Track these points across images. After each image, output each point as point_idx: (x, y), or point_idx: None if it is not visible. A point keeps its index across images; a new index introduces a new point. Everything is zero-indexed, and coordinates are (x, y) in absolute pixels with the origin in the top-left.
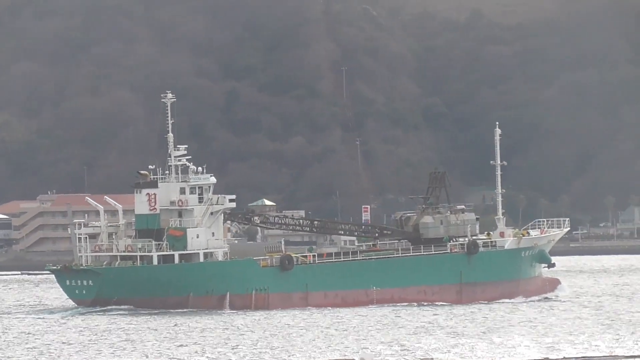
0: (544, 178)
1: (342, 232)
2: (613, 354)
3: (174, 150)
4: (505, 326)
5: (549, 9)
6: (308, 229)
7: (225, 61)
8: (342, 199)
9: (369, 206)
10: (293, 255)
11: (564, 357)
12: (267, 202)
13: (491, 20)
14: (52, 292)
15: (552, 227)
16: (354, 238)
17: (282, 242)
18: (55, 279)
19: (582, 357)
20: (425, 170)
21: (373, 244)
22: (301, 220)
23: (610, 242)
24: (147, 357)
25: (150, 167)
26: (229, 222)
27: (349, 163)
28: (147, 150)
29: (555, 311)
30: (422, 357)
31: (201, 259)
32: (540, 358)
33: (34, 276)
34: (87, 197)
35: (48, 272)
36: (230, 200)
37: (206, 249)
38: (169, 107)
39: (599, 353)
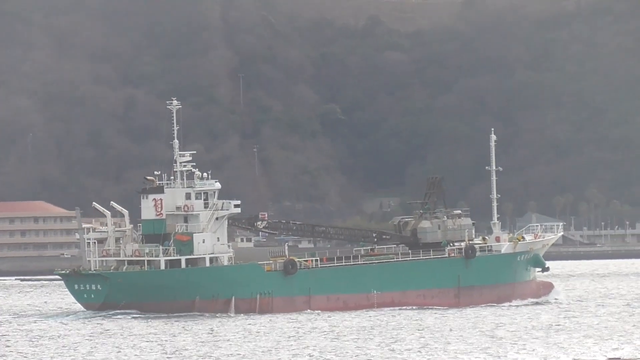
0: (442, 184)
1: (342, 238)
2: None
3: (179, 156)
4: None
5: (446, 16)
6: (309, 233)
7: (123, 68)
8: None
9: (266, 213)
10: (296, 259)
11: None
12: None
13: (389, 27)
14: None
15: (546, 232)
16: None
17: (286, 247)
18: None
19: None
20: (323, 177)
21: (371, 249)
22: (303, 226)
23: None
24: None
25: (156, 172)
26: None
27: (247, 170)
28: (47, 157)
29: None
30: None
31: (207, 264)
32: None
33: None
34: (94, 203)
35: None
36: (235, 206)
37: (212, 253)
38: (174, 114)
39: None
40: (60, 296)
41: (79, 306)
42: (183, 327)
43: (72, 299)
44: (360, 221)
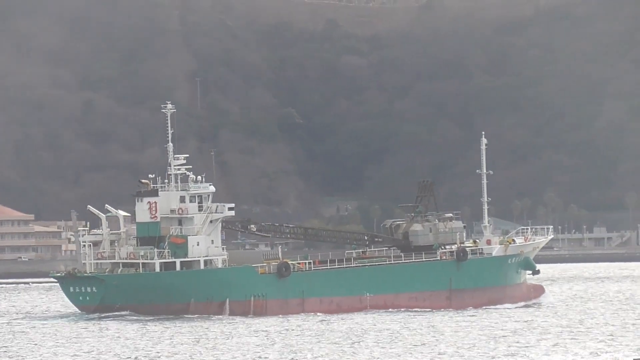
0: (399, 188)
1: (334, 240)
2: None
3: (174, 159)
4: None
5: (404, 21)
6: (302, 236)
7: (81, 72)
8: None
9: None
10: (290, 262)
11: None
12: (123, 213)
13: (347, 31)
14: None
15: (536, 235)
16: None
17: (280, 250)
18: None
19: None
20: (281, 181)
21: (363, 252)
22: (295, 229)
23: None
24: None
25: (150, 175)
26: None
27: (204, 173)
28: (4, 161)
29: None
30: None
31: (202, 266)
32: None
33: None
34: (88, 206)
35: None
36: (230, 209)
37: (206, 256)
38: (168, 118)
39: None
40: (9, 302)
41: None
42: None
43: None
44: (318, 225)
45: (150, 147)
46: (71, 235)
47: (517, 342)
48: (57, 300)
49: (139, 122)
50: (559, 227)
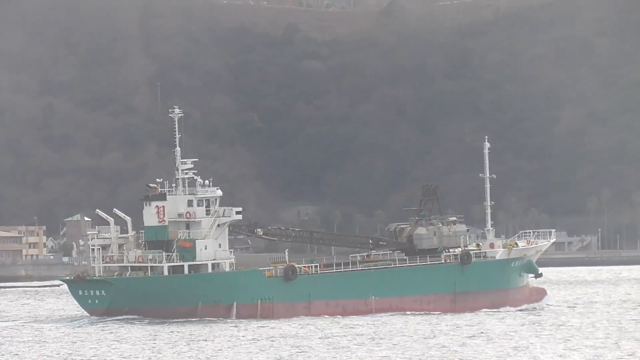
0: (360, 193)
1: (340, 244)
2: None
3: (181, 164)
4: None
5: (364, 25)
6: (308, 240)
7: (41, 77)
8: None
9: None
10: (296, 265)
11: None
12: (87, 218)
13: (307, 35)
14: None
15: (538, 238)
16: None
17: (286, 253)
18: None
19: None
20: (241, 185)
21: (367, 255)
22: (301, 232)
23: None
24: None
25: (158, 180)
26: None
27: (165, 178)
28: None
29: None
30: None
31: (209, 270)
32: None
33: None
34: (97, 210)
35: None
36: (237, 213)
37: (214, 259)
38: (176, 122)
39: None
40: None
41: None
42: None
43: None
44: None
45: (110, 152)
46: (80, 239)
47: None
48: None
49: (99, 127)
50: (520, 231)
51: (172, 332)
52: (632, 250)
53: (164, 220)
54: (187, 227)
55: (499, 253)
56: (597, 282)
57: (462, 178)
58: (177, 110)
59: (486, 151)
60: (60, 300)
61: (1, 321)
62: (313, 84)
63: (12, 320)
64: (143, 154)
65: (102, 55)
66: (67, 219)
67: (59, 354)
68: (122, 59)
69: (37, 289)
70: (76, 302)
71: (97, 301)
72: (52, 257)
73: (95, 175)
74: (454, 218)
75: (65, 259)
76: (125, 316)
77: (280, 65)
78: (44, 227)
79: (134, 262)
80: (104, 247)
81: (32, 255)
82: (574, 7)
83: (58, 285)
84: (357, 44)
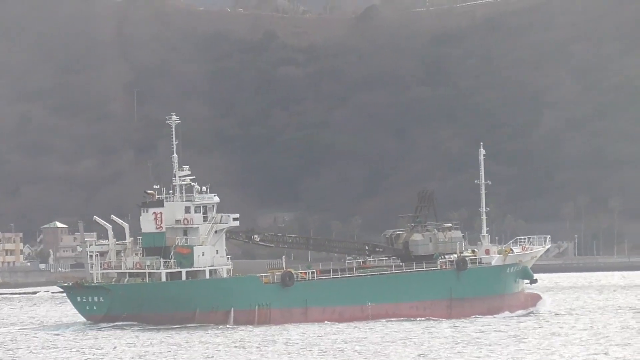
0: (336, 199)
1: (337, 250)
2: None
3: (179, 170)
4: None
5: (341, 31)
6: (304, 246)
7: (18, 84)
8: (134, 221)
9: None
10: (293, 271)
11: None
12: (59, 225)
13: (283, 42)
14: None
15: (533, 244)
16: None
17: (283, 259)
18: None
19: None
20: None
21: (363, 261)
22: (297, 238)
23: None
24: None
25: (155, 186)
26: None
27: (141, 184)
28: None
29: None
30: None
31: (207, 276)
32: None
33: None
34: (95, 217)
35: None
36: (234, 219)
37: (211, 266)
38: (173, 129)
39: None
40: None
41: None
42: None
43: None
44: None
45: (86, 159)
46: (78, 245)
47: None
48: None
49: (75, 133)
50: (496, 237)
51: (152, 338)
52: (609, 256)
53: (162, 227)
54: (185, 233)
55: (495, 259)
56: (584, 288)
57: (437, 184)
58: (174, 117)
59: (481, 158)
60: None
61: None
62: (289, 91)
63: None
64: (119, 160)
65: (78, 62)
66: (44, 226)
67: None
68: (99, 66)
69: (11, 296)
70: (75, 309)
71: (95, 307)
72: (28, 264)
73: (71, 182)
74: (450, 224)
75: (42, 266)
76: (123, 322)
77: (257, 71)
78: (21, 234)
79: (132, 269)
80: (102, 254)
81: (8, 262)
82: (550, 12)
83: (34, 293)
84: (334, 51)
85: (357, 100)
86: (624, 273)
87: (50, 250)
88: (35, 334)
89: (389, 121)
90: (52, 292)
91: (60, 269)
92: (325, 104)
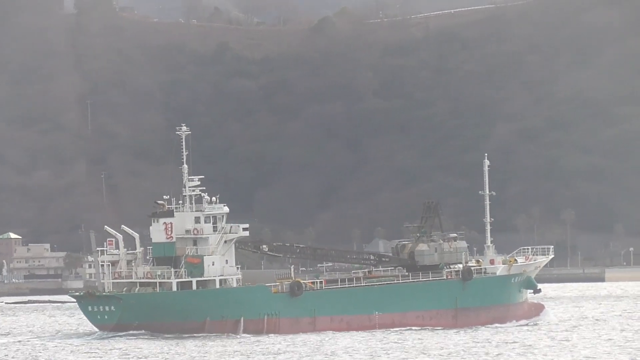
0: (289, 210)
1: (343, 260)
2: None
3: (189, 181)
4: None
5: (294, 42)
6: (311, 256)
7: None
8: (87, 232)
9: (113, 239)
10: (302, 281)
11: None
12: (13, 236)
13: (237, 54)
14: None
15: (537, 254)
16: None
17: (292, 269)
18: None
19: None
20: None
21: (368, 271)
22: (305, 249)
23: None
24: None
25: (165, 197)
26: None
27: (94, 197)
28: None
29: None
30: None
31: (217, 286)
32: None
33: None
34: (105, 226)
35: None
36: (244, 229)
37: (221, 275)
38: (183, 140)
39: None
40: None
41: None
42: None
43: None
44: None
45: (39, 170)
46: (89, 255)
47: None
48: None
49: (29, 144)
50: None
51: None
52: (563, 267)
53: (172, 237)
54: (195, 243)
55: (500, 269)
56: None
57: (391, 196)
58: (184, 128)
59: (486, 169)
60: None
61: None
62: (243, 102)
63: None
64: (72, 171)
65: (32, 72)
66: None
67: None
68: (53, 77)
69: None
70: (85, 318)
71: (106, 316)
72: None
73: (24, 193)
74: (455, 235)
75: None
76: (133, 331)
77: (211, 83)
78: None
79: (143, 278)
80: (113, 263)
81: None
82: (504, 24)
83: None
84: (287, 62)
85: (311, 112)
86: (577, 285)
87: (4, 261)
88: None
89: (343, 133)
90: (6, 303)
91: (13, 279)
92: (278, 116)
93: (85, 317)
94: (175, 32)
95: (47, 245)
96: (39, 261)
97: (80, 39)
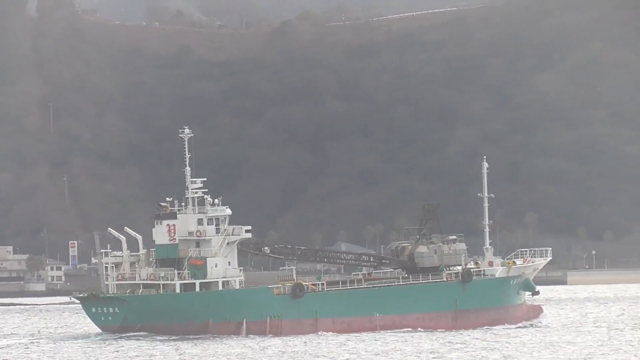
0: (251, 213)
1: (343, 262)
2: None
3: (191, 183)
4: None
5: (255, 45)
6: (313, 258)
7: None
8: (49, 235)
9: (75, 242)
10: (304, 283)
11: None
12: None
13: (199, 57)
14: None
15: (535, 256)
16: None
17: (294, 271)
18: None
19: None
20: (133, 206)
21: (368, 273)
22: (306, 251)
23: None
24: None
25: (168, 199)
26: None
27: (56, 199)
28: None
29: None
30: None
31: (220, 287)
32: None
33: None
34: (109, 228)
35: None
36: (246, 231)
37: (224, 277)
38: (186, 142)
39: None
40: None
41: None
42: None
43: None
44: None
45: (1, 172)
46: (92, 257)
47: None
48: None
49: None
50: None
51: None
52: None
53: (175, 239)
54: (198, 245)
55: (499, 271)
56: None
57: (353, 199)
58: (187, 131)
59: (484, 171)
60: None
61: None
62: (204, 105)
63: None
64: (34, 174)
65: None
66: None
67: None
68: (14, 80)
69: None
70: (89, 319)
71: (110, 318)
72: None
73: None
74: (454, 237)
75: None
76: (137, 333)
77: (172, 86)
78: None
79: (146, 280)
80: (117, 265)
81: None
82: (465, 27)
83: None
84: (249, 65)
85: (272, 115)
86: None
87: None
88: None
89: (304, 136)
90: None
91: None
92: (239, 119)
93: (83, 318)
94: (137, 35)
95: (10, 248)
96: (1, 264)
97: (42, 42)
